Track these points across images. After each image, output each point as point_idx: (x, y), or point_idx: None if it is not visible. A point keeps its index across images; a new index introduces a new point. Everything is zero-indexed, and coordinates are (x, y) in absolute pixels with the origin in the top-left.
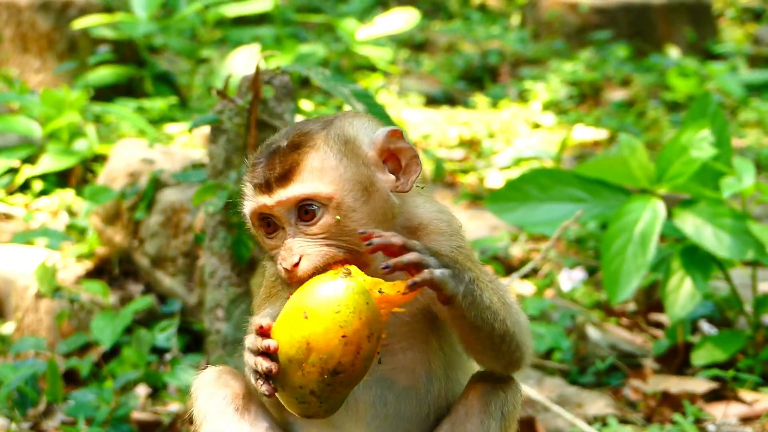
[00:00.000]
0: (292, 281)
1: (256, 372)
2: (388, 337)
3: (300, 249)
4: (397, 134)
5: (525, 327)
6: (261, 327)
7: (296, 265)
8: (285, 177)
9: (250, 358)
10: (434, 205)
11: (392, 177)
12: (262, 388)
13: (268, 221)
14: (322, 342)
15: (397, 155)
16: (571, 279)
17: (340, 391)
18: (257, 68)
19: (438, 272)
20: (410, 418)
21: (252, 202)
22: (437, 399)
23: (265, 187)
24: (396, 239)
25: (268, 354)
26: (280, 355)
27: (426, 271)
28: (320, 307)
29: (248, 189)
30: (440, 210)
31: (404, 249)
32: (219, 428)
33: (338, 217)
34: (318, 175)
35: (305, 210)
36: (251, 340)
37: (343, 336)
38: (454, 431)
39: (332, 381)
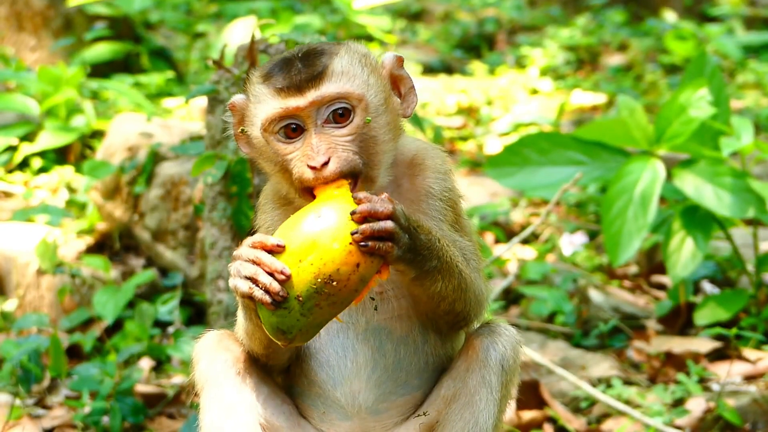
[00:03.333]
0: (316, 182)
1: (248, 278)
2: (381, 284)
3: (329, 150)
4: (401, 61)
5: (475, 296)
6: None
7: (324, 164)
8: (317, 78)
9: (246, 257)
10: (424, 142)
11: (398, 100)
12: (272, 285)
13: (292, 125)
14: (329, 242)
15: (398, 82)
16: (572, 243)
17: (323, 308)
18: (253, 37)
19: (400, 253)
20: (409, 368)
21: (276, 105)
22: (434, 348)
23: (296, 89)
24: (382, 207)
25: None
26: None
27: (391, 246)
28: (336, 210)
29: (267, 94)
30: (433, 146)
31: (388, 217)
32: (221, 393)
33: (368, 118)
34: (347, 77)
35: (339, 111)
36: (248, 245)
37: (351, 243)
38: (455, 386)
39: (322, 289)
